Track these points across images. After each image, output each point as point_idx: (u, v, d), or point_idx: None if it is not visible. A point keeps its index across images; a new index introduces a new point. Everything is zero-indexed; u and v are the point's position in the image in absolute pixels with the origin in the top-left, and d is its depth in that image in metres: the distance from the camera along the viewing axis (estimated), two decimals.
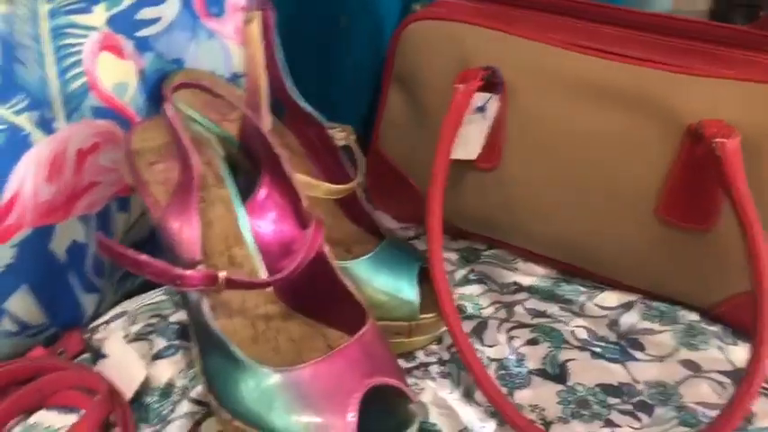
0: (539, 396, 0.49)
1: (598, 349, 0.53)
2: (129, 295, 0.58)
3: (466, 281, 0.61)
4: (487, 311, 0.57)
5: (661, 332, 0.55)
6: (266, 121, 0.47)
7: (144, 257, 0.40)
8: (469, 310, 0.57)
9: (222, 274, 0.40)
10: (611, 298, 0.58)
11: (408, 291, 0.49)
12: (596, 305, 0.58)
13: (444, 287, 0.48)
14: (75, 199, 0.49)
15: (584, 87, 0.52)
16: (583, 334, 0.55)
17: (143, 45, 0.52)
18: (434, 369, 0.51)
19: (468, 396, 0.49)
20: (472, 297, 0.59)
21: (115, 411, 0.46)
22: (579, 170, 0.54)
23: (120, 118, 0.51)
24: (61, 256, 0.50)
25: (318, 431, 0.39)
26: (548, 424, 0.47)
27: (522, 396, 0.49)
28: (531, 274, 0.61)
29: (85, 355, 0.52)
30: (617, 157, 0.52)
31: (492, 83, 0.54)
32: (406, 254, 0.51)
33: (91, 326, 0.55)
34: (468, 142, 0.56)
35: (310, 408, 0.39)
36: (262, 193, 0.47)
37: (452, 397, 0.49)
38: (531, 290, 0.60)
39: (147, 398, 0.49)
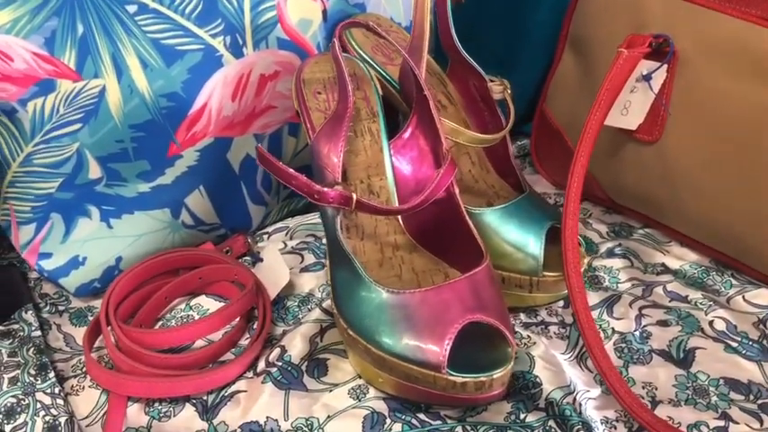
0: (654, 375, 0.48)
1: (734, 344, 0.50)
2: (292, 214, 0.65)
3: (610, 254, 0.59)
4: (624, 286, 0.56)
5: None
6: (424, 66, 0.49)
7: (291, 171, 0.45)
8: (606, 282, 0.57)
9: (354, 196, 0.44)
10: (764, 296, 0.54)
11: (534, 246, 0.50)
12: (746, 300, 0.54)
13: (573, 248, 0.48)
14: (252, 118, 0.56)
15: (761, 64, 0.48)
16: (721, 326, 0.52)
17: None
18: (554, 329, 0.52)
19: (580, 360, 0.49)
20: (612, 270, 0.58)
21: (258, 305, 0.53)
22: (749, 154, 0.51)
23: (301, 51, 0.56)
24: (236, 166, 0.57)
25: (415, 352, 0.42)
26: (656, 403, 0.46)
27: (637, 371, 0.48)
28: (681, 258, 0.59)
29: (247, 258, 0.60)
30: None
31: (662, 51, 0.52)
32: (540, 211, 0.52)
33: (256, 234, 0.63)
34: (630, 111, 0.55)
35: (412, 329, 0.42)
36: (407, 132, 0.50)
37: (564, 357, 0.49)
38: (678, 274, 0.57)
39: (289, 301, 0.55)
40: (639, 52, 0.51)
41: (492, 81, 0.55)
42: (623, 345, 0.50)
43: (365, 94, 0.53)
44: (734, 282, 0.56)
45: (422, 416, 0.45)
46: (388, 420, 0.45)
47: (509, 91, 0.54)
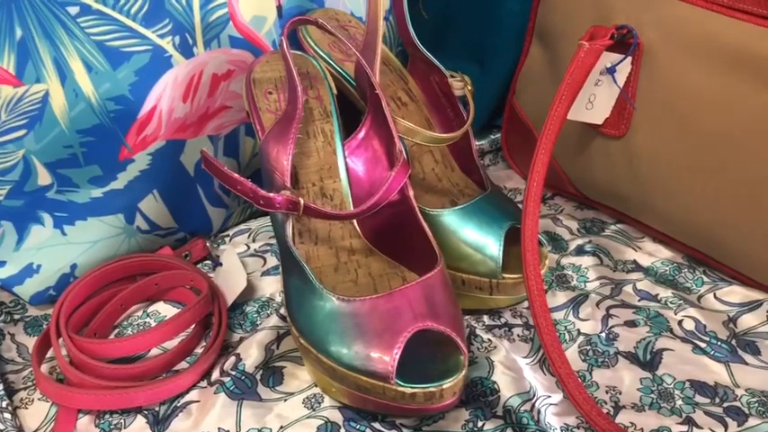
0: (619, 378, 0.46)
1: (703, 344, 0.48)
2: (255, 215, 0.64)
3: (580, 251, 0.58)
4: (592, 285, 0.54)
5: None
6: (377, 63, 0.48)
7: (236, 176, 0.44)
8: (574, 281, 0.55)
9: (302, 201, 0.43)
10: (736, 294, 0.53)
11: (493, 248, 0.48)
12: (717, 298, 0.53)
13: (532, 249, 0.46)
14: (206, 119, 0.54)
15: (738, 58, 0.46)
16: (690, 325, 0.50)
17: None
18: (517, 331, 0.50)
19: (543, 364, 0.48)
20: (580, 268, 0.56)
21: (214, 312, 0.52)
22: (718, 149, 0.49)
23: (255, 49, 0.55)
24: (190, 169, 0.55)
25: (364, 362, 0.41)
26: (618, 408, 0.44)
27: (601, 375, 0.47)
28: (653, 255, 0.57)
29: (208, 262, 0.59)
30: (754, 134, 0.46)
31: (626, 43, 0.50)
32: (501, 210, 0.50)
33: (218, 237, 0.61)
34: (595, 105, 0.53)
35: (361, 339, 0.41)
36: (362, 132, 0.49)
37: (525, 361, 0.48)
38: (649, 271, 0.56)
39: (248, 307, 0.54)
40: (601, 44, 0.49)
41: (453, 77, 0.54)
42: (588, 347, 0.49)
43: (318, 93, 0.51)
44: (705, 279, 0.54)
45: (377, 425, 0.44)
46: (343, 430, 0.44)
47: (470, 87, 0.53)
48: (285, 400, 0.46)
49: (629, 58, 0.51)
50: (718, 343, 0.49)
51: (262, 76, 0.51)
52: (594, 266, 0.56)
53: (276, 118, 0.49)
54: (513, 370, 0.47)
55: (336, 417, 0.44)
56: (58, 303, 0.50)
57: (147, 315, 0.54)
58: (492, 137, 0.73)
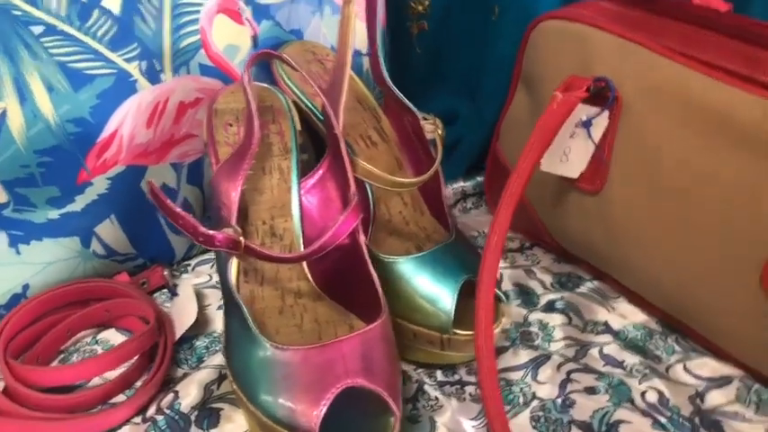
0: None
1: (663, 419, 0.45)
2: None
3: (550, 308, 0.55)
4: (557, 345, 0.52)
5: (751, 421, 0.45)
6: (342, 101, 0.46)
7: (179, 210, 0.42)
8: (538, 340, 0.53)
9: (243, 240, 0.41)
10: (707, 367, 0.49)
11: (446, 301, 0.46)
12: (687, 370, 0.50)
13: (486, 306, 0.44)
14: (169, 146, 0.53)
15: (709, 117, 0.44)
16: (653, 397, 0.47)
17: (262, 12, 0.54)
18: (470, 389, 0.48)
19: (489, 429, 0.45)
20: (547, 326, 0.54)
21: (159, 344, 0.50)
22: (688, 207, 0.46)
23: (226, 78, 0.54)
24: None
25: (288, 414, 0.39)
26: None
27: None
28: (626, 318, 0.54)
29: (165, 290, 0.57)
30: (731, 202, 0.44)
31: (604, 96, 0.48)
32: (459, 261, 0.48)
33: (180, 265, 0.60)
34: (570, 158, 0.51)
35: (289, 391, 0.39)
36: (319, 172, 0.47)
37: (472, 423, 0.45)
38: (619, 335, 0.53)
39: (198, 341, 0.52)
40: (576, 96, 0.47)
41: (425, 119, 0.52)
42: (541, 413, 0.46)
43: (281, 127, 0.50)
44: (677, 348, 0.51)
45: None
46: None
47: (440, 132, 0.51)
48: None
49: (606, 112, 0.48)
50: (681, 420, 0.46)
51: (225, 107, 0.50)
52: (563, 325, 0.54)
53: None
54: None
55: None
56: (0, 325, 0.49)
57: (96, 342, 0.52)
58: (478, 179, 0.71)
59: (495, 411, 0.42)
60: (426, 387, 0.48)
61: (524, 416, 0.46)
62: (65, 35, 0.47)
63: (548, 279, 0.59)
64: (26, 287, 0.53)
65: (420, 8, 0.69)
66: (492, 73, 0.68)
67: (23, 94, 0.47)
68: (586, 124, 0.49)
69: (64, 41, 0.47)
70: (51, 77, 0.47)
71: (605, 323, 0.54)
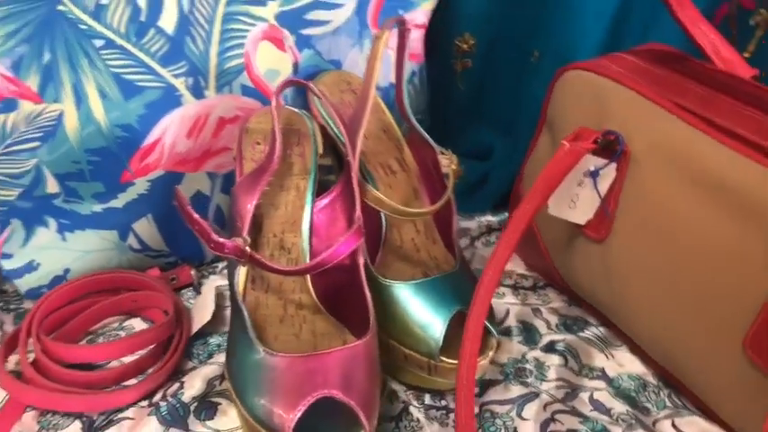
0: None
1: None
2: None
3: (549, 348, 0.57)
4: (548, 385, 0.53)
5: None
6: (362, 131, 0.49)
7: (196, 216, 0.46)
8: (531, 377, 0.54)
9: (248, 249, 0.45)
10: (694, 426, 0.50)
11: (436, 328, 0.48)
12: (674, 426, 0.50)
13: (474, 337, 0.46)
14: (207, 157, 0.58)
15: (708, 179, 0.45)
16: None
17: (304, 42, 0.58)
18: (454, 417, 0.50)
19: None
20: (543, 365, 0.55)
21: (175, 336, 0.54)
22: (682, 266, 0.47)
23: (265, 99, 0.58)
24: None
25: (267, 415, 0.42)
26: None
27: None
28: (623, 366, 0.55)
29: (192, 288, 0.62)
30: (721, 266, 0.44)
31: (613, 149, 0.50)
32: (456, 292, 0.50)
33: (209, 266, 0.64)
34: (578, 205, 0.52)
35: (271, 393, 0.42)
36: (333, 193, 0.51)
37: None
38: (613, 383, 0.54)
39: (212, 339, 0.56)
40: (583, 147, 0.49)
41: (443, 153, 0.55)
42: None
43: (304, 150, 0.53)
44: (668, 403, 0.52)
45: None
46: None
47: (454, 167, 0.53)
48: None
49: (614, 164, 0.50)
50: None
51: (255, 126, 0.54)
52: (558, 366, 0.55)
53: None
54: None
55: None
56: (37, 303, 0.54)
57: (122, 328, 0.57)
58: (506, 214, 0.73)
59: None
60: (412, 408, 0.50)
61: None
62: (122, 49, 0.53)
63: (554, 320, 0.60)
64: (67, 271, 0.59)
65: (465, 47, 0.72)
66: (526, 113, 0.70)
67: (80, 99, 0.52)
68: (594, 174, 0.50)
69: (120, 55, 0.53)
70: (105, 86, 0.53)
71: (601, 369, 0.55)
